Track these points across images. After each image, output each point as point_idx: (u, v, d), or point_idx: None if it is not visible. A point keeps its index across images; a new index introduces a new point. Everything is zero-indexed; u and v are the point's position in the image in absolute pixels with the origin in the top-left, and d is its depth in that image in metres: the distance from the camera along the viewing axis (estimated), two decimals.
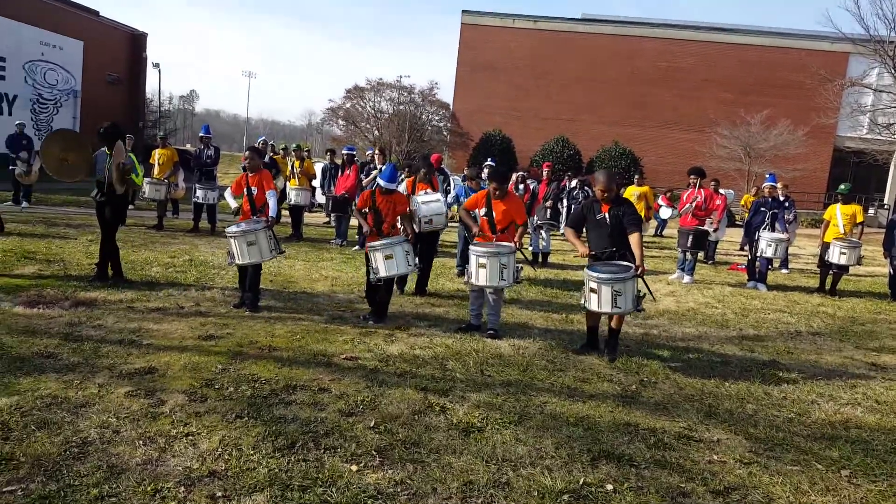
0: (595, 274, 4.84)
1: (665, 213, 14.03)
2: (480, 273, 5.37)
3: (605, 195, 5.09)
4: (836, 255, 8.91)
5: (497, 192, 5.58)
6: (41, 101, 21.89)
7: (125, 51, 27.24)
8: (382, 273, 5.58)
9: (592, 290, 4.86)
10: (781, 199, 10.15)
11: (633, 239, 4.93)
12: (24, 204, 12.20)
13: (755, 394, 4.56)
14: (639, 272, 4.82)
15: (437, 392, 4.09)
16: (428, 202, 7.14)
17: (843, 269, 9.06)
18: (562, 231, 12.91)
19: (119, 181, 6.31)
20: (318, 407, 3.74)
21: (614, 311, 4.87)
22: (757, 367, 5.27)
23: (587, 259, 5.22)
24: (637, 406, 4.15)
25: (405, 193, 7.42)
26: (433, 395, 4.03)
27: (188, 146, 35.91)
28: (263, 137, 14.46)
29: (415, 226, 6.95)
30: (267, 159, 11.47)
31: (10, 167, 12.15)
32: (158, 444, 3.15)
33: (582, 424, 3.76)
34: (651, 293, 5.15)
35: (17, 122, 13.03)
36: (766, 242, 9.05)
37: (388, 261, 5.55)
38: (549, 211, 9.99)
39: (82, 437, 3.16)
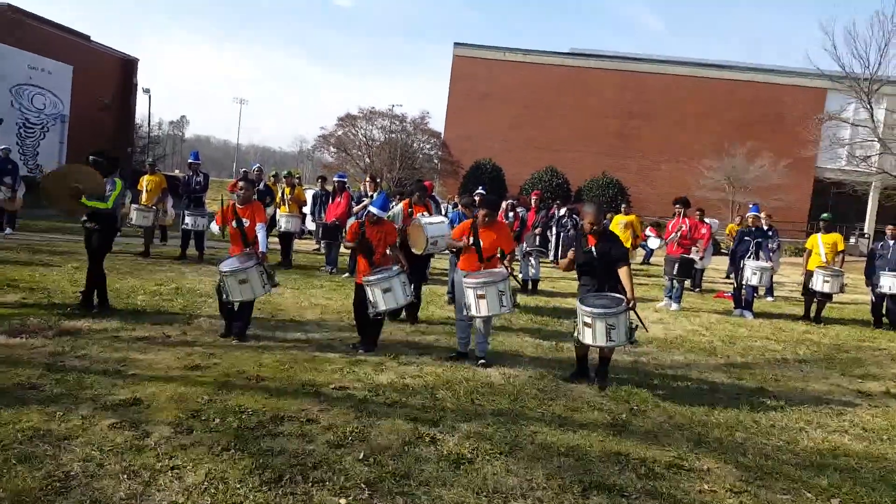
0: (589, 308, 4.90)
1: (654, 243, 14.30)
2: (481, 304, 5.31)
3: (593, 227, 5.19)
4: (819, 284, 9.04)
5: (486, 220, 5.61)
6: (28, 125, 21.80)
7: (116, 76, 27.34)
8: (381, 307, 5.52)
9: (587, 325, 4.92)
10: (765, 228, 10.35)
11: (623, 272, 5.05)
12: (8, 230, 12.02)
13: (744, 422, 4.57)
14: (631, 305, 4.90)
15: (428, 422, 4.06)
16: (433, 223, 7.06)
17: (826, 296, 9.18)
18: (551, 259, 13.08)
19: (64, 201, 6.06)
20: (306, 439, 3.68)
21: (608, 344, 4.94)
22: (745, 394, 5.29)
23: (579, 290, 5.28)
24: (627, 435, 4.13)
25: (402, 214, 7.42)
26: (423, 426, 3.99)
27: (177, 172, 35.83)
28: (258, 165, 14.38)
29: (421, 245, 6.85)
30: (262, 186, 11.45)
31: None
32: (143, 477, 3.08)
33: (573, 454, 3.74)
34: (643, 324, 5.21)
35: (1, 147, 12.86)
36: (752, 271, 9.18)
37: (387, 294, 5.48)
38: (538, 238, 10.12)
39: (65, 471, 3.08)
